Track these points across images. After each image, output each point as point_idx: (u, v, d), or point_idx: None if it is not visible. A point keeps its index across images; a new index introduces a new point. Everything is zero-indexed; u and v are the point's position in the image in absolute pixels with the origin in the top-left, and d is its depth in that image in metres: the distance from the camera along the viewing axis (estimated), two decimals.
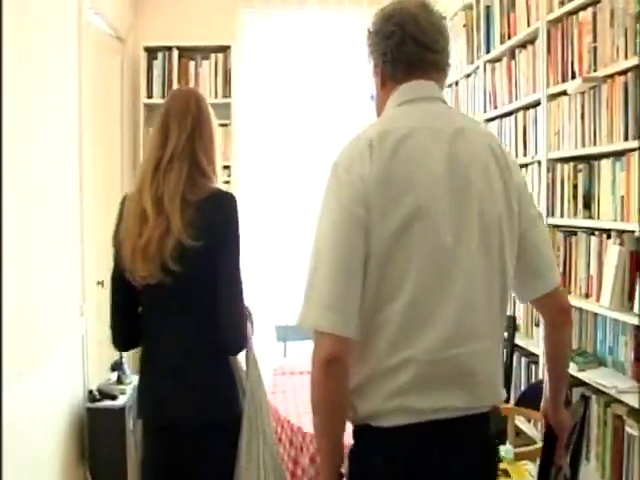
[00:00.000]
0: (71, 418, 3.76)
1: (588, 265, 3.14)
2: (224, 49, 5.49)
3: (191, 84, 5.43)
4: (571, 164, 3.26)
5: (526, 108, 3.79)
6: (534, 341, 3.65)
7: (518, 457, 2.82)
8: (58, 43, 3.69)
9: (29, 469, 3.13)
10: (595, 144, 3.05)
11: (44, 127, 3.39)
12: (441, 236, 1.61)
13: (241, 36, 5.58)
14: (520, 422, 3.58)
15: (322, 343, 1.59)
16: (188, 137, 2.16)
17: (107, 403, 3.91)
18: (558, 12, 3.34)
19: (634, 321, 2.75)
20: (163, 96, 5.42)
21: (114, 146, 5.13)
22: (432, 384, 1.62)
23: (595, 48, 3.04)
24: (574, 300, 3.19)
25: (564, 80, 3.31)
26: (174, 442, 2.15)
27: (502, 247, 1.68)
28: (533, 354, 3.62)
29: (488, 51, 4.34)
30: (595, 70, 3.03)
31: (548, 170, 3.47)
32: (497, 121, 4.22)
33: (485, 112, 4.39)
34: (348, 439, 1.71)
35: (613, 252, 2.88)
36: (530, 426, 3.57)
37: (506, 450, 2.85)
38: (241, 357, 2.25)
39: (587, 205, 3.13)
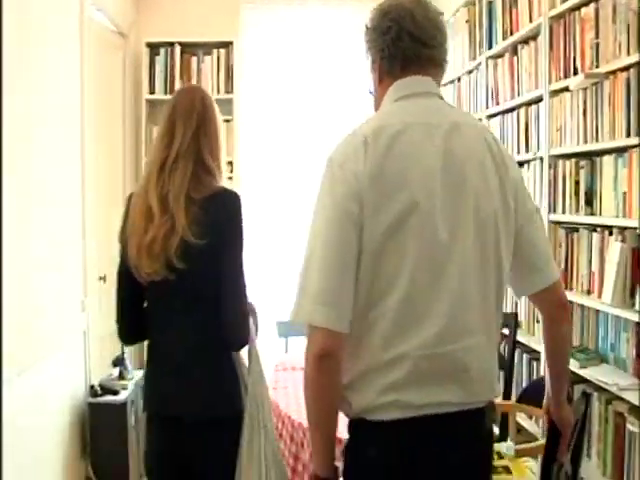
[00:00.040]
0: (73, 413, 3.77)
1: (590, 262, 3.13)
2: (226, 45, 5.49)
3: (193, 80, 5.44)
4: (573, 160, 3.25)
5: (528, 104, 3.79)
6: (536, 338, 3.65)
7: (519, 454, 2.81)
8: (60, 39, 3.70)
9: (31, 464, 3.14)
10: (597, 140, 3.04)
11: (45, 124, 3.40)
12: (436, 232, 1.61)
13: (243, 32, 5.59)
14: (521, 419, 3.57)
15: (315, 338, 1.60)
16: (193, 135, 2.18)
17: (109, 398, 3.92)
18: (560, 8, 3.33)
19: (636, 318, 2.74)
20: (165, 92, 5.44)
21: (116, 142, 5.13)
22: (427, 380, 1.63)
23: (597, 44, 3.03)
24: (576, 297, 3.19)
25: (566, 76, 3.30)
26: (178, 433, 2.17)
27: (498, 243, 1.68)
28: (535, 351, 3.62)
29: (490, 47, 4.33)
30: (597, 66, 3.02)
31: (550, 166, 3.46)
32: (499, 117, 4.21)
33: (487, 108, 4.38)
34: (344, 433, 1.72)
35: (615, 249, 2.87)
36: (531, 423, 3.57)
37: (507, 447, 2.84)
38: (244, 353, 2.27)
39: (589, 201, 3.13)
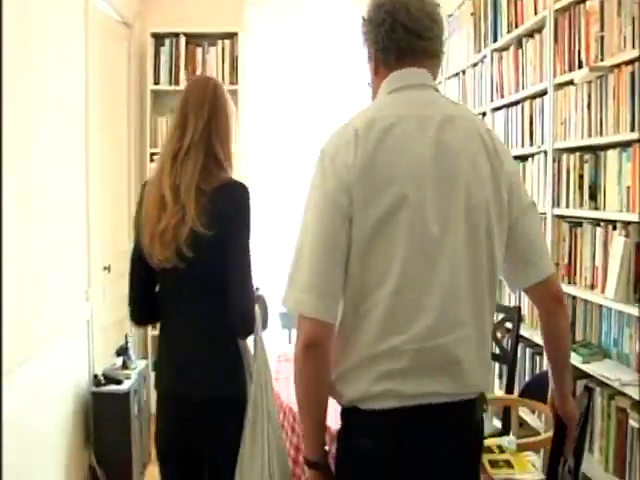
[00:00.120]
0: (76, 402, 3.79)
1: (593, 256, 3.12)
2: (231, 36, 5.47)
3: (198, 71, 5.43)
4: (577, 154, 3.24)
5: (533, 97, 3.77)
6: (539, 332, 3.63)
7: (521, 448, 2.82)
8: (64, 29, 3.70)
9: (34, 453, 3.15)
10: (601, 134, 3.03)
11: (49, 114, 3.40)
12: (426, 225, 1.62)
13: (248, 23, 5.57)
14: (524, 413, 3.58)
15: (303, 327, 1.64)
16: (204, 126, 2.24)
17: (112, 388, 3.94)
18: (565, 1, 3.31)
19: (639, 313, 2.74)
20: (170, 83, 5.44)
21: (121, 132, 5.13)
22: (419, 372, 1.64)
23: (602, 37, 3.01)
24: (579, 291, 3.19)
25: (571, 69, 3.29)
26: (186, 412, 2.25)
27: (490, 233, 1.69)
28: (538, 345, 3.61)
29: (495, 40, 4.31)
30: (602, 60, 3.01)
31: (554, 160, 3.45)
32: (503, 110, 4.19)
33: (492, 101, 4.36)
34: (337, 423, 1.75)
35: (618, 243, 2.87)
36: (534, 417, 3.57)
37: (509, 441, 2.84)
38: (249, 341, 2.33)
39: (593, 196, 3.12)
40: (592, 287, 3.12)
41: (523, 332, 3.65)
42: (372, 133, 1.63)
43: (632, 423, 2.78)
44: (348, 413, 1.72)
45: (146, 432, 4.26)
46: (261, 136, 5.66)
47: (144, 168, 5.40)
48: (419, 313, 1.63)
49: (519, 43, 3.96)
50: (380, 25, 1.73)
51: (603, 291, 2.98)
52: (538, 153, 3.66)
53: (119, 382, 3.97)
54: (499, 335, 3.77)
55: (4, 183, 2.74)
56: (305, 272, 1.63)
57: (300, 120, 5.67)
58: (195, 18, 5.48)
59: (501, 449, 2.83)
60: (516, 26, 3.97)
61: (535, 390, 3.06)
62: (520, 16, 3.93)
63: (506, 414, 3.44)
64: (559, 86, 3.42)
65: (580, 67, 3.19)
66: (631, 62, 2.79)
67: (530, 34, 3.81)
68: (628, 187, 2.82)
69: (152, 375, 4.55)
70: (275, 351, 4.00)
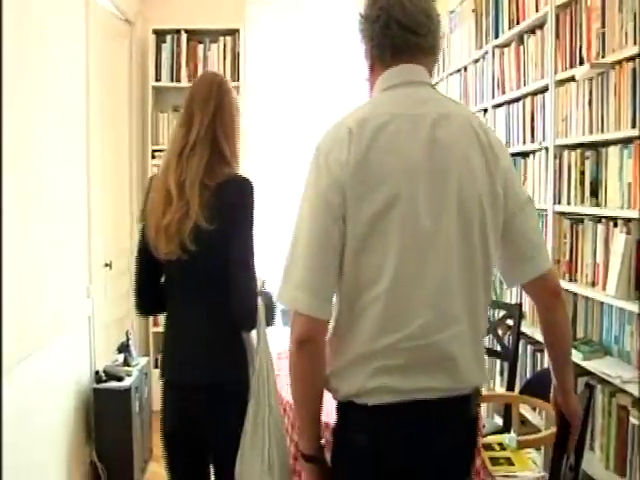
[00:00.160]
0: (77, 399, 3.79)
1: (594, 253, 3.12)
2: (232, 32, 5.47)
3: (199, 67, 5.43)
4: (578, 151, 3.24)
5: (534, 94, 3.76)
6: (540, 329, 3.64)
7: (521, 445, 2.82)
8: (65, 26, 3.69)
9: (35, 449, 3.15)
10: (602, 131, 3.03)
11: (50, 111, 3.39)
12: (418, 220, 1.62)
13: (250, 19, 5.56)
14: (525, 410, 3.58)
15: (297, 324, 1.66)
16: (209, 123, 2.28)
17: (113, 384, 3.94)
18: None
19: None
20: (172, 79, 5.45)
21: (122, 129, 5.13)
22: (414, 368, 1.65)
23: (603, 34, 3.00)
24: (580, 288, 3.18)
25: (572, 66, 3.28)
26: (189, 402, 2.30)
27: (484, 227, 1.69)
28: (539, 342, 3.60)
29: (497, 36, 4.30)
30: (603, 56, 3.00)
31: (555, 157, 3.44)
32: (505, 107, 4.19)
33: (493, 98, 4.36)
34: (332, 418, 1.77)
35: (619, 240, 2.86)
36: (535, 414, 3.57)
37: (510, 438, 2.85)
38: (253, 335, 2.36)
39: (594, 192, 3.11)
40: (593, 284, 3.12)
41: (524, 329, 3.65)
42: (365, 131, 1.63)
43: (633, 421, 2.78)
44: (344, 408, 1.73)
45: (147, 429, 4.27)
46: (262, 132, 5.65)
47: (145, 165, 5.41)
48: (414, 310, 1.64)
49: (520, 39, 3.95)
50: (375, 21, 1.73)
51: (604, 288, 2.98)
52: (539, 150, 3.65)
53: (120, 379, 3.98)
54: (500, 332, 3.78)
55: (4, 181, 2.73)
56: (299, 268, 1.64)
57: (301, 116, 5.66)
58: (196, 15, 5.47)
59: (502, 446, 2.83)
60: (517, 22, 3.96)
61: (536, 387, 3.06)
62: (521, 12, 3.92)
63: (507, 411, 3.45)
64: (560, 83, 3.41)
65: (581, 63, 3.18)
66: (632, 58, 2.78)
67: (531, 30, 3.80)
68: (629, 184, 2.82)
69: (153, 372, 4.58)
70: (275, 348, 4.01)
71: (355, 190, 1.61)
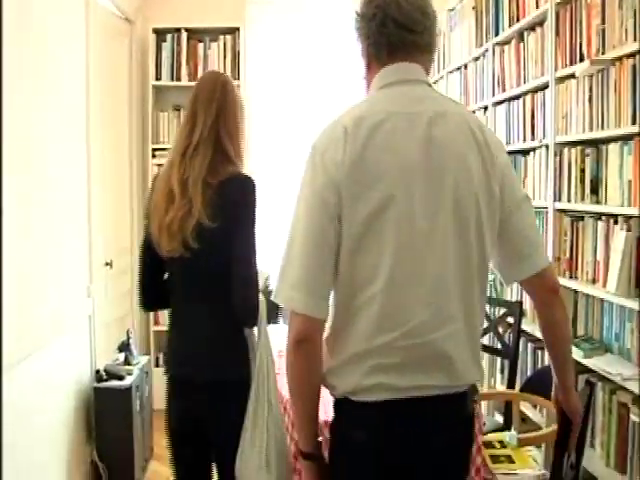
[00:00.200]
0: (78, 398, 3.80)
1: (595, 250, 3.11)
2: (233, 31, 5.47)
3: (200, 66, 5.43)
4: (578, 148, 3.23)
5: (534, 91, 3.76)
6: None
7: (522, 443, 2.82)
8: (65, 25, 3.69)
9: (36, 448, 3.15)
10: (603, 128, 3.02)
11: (50, 111, 3.39)
12: (414, 220, 1.62)
13: (250, 18, 5.56)
14: (525, 408, 3.57)
15: (294, 322, 1.66)
16: (213, 123, 2.30)
17: (114, 383, 3.94)
18: None
19: None
20: (172, 78, 5.45)
21: (122, 128, 5.13)
22: (411, 367, 1.65)
23: (603, 30, 3.00)
24: (580, 286, 3.18)
25: (572, 63, 3.27)
26: (191, 397, 2.33)
27: (480, 225, 1.68)
28: (539, 340, 3.59)
29: (497, 34, 4.29)
30: (603, 53, 2.99)
31: (555, 154, 3.44)
32: (505, 104, 4.18)
33: (493, 95, 4.35)
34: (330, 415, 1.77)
35: (620, 237, 2.86)
36: (536, 412, 3.57)
37: (510, 436, 2.85)
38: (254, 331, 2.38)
39: (594, 190, 3.10)
40: (593, 281, 3.11)
41: (525, 327, 3.64)
42: (361, 130, 1.63)
43: (633, 418, 2.78)
44: (340, 405, 1.74)
45: (148, 428, 4.27)
46: (263, 131, 5.65)
47: (146, 164, 5.41)
48: (410, 309, 1.64)
49: (520, 37, 3.94)
50: (371, 20, 1.73)
51: (605, 285, 2.97)
52: (539, 147, 3.65)
53: (121, 378, 3.98)
54: (500, 330, 3.78)
55: (4, 181, 2.73)
56: (296, 267, 1.64)
57: (302, 115, 5.65)
58: (196, 13, 5.47)
59: (502, 444, 2.84)
60: (517, 20, 3.96)
61: (536, 385, 3.06)
62: (521, 10, 3.92)
63: (507, 409, 3.45)
64: (560, 80, 3.41)
65: (581, 60, 3.18)
66: (632, 55, 2.77)
67: (531, 28, 3.79)
68: (630, 181, 2.81)
69: (154, 370, 4.58)
70: (275, 347, 4.01)
71: (351, 190, 1.61)
